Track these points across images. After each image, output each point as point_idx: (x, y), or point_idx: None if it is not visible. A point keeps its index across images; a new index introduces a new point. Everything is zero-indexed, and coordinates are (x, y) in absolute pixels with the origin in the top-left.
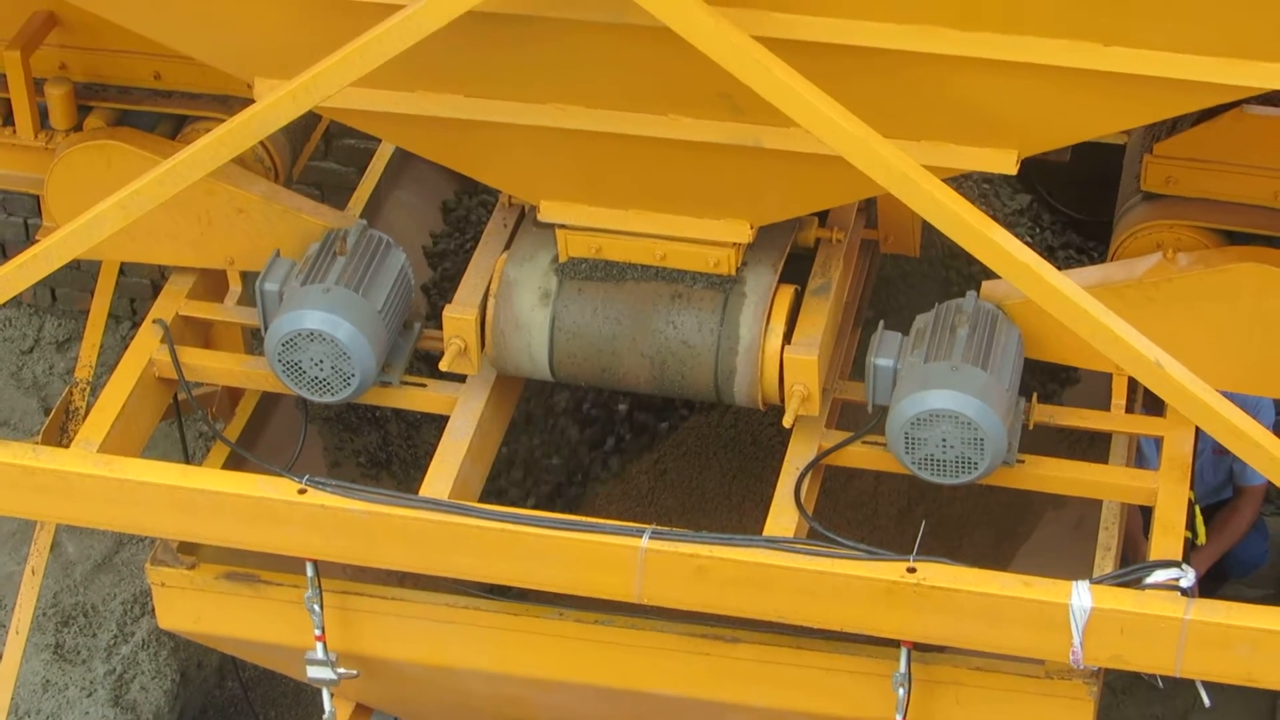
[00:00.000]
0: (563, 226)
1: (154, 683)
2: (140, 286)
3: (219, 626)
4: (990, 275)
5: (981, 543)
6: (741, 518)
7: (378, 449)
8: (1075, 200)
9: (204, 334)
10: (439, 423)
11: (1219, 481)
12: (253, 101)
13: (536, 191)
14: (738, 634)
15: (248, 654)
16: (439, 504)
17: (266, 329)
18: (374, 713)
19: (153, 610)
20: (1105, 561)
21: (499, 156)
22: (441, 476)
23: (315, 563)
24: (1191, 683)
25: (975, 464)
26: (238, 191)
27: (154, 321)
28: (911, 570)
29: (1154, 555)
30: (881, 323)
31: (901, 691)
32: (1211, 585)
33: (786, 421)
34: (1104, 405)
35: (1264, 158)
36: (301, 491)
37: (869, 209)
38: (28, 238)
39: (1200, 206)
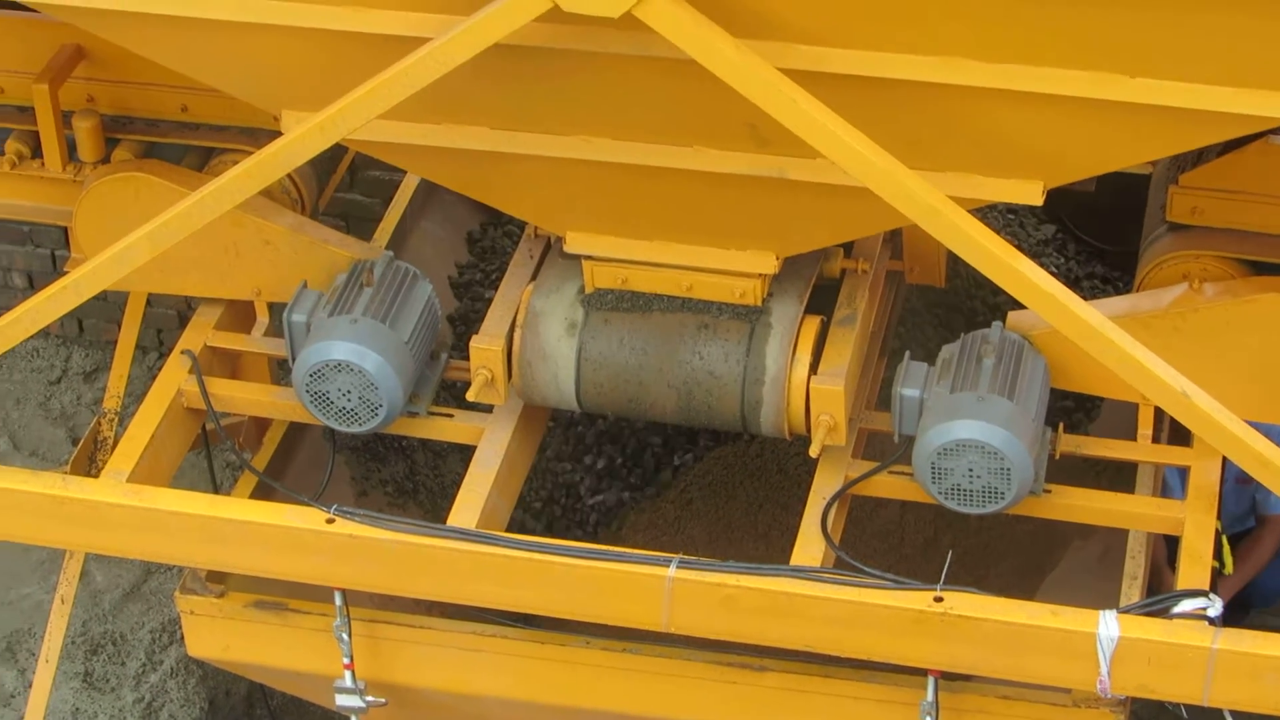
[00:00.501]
0: (589, 258)
1: (183, 710)
2: (167, 317)
3: (248, 654)
4: (1016, 306)
5: (1008, 572)
6: (768, 547)
7: (404, 479)
8: (1101, 230)
9: (231, 365)
10: (465, 453)
11: (1242, 511)
12: (280, 134)
13: (563, 223)
14: (765, 663)
15: (276, 682)
16: (467, 533)
17: (294, 360)
18: None
19: (181, 638)
20: (1132, 591)
21: (525, 188)
22: (469, 506)
23: (343, 591)
24: (1219, 712)
25: (1002, 494)
26: (265, 223)
27: (182, 352)
28: (939, 599)
29: (1181, 585)
30: (907, 353)
31: None
32: (1235, 615)
33: (813, 451)
34: (1126, 435)
35: None
36: (330, 521)
37: (894, 240)
38: (55, 269)
39: (1226, 237)
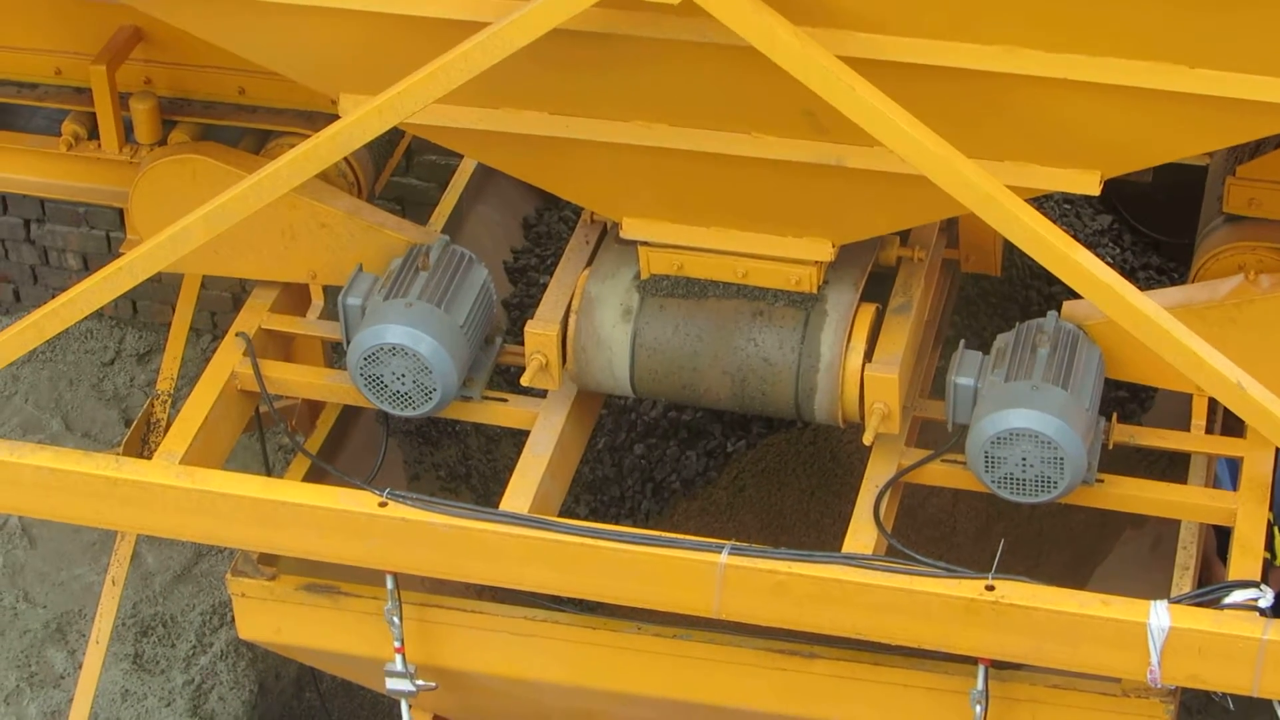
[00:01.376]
0: (645, 243)
1: (232, 693)
2: (221, 300)
3: (299, 637)
4: (1071, 295)
5: (1059, 561)
6: (820, 535)
7: (457, 463)
8: (1157, 221)
9: (286, 347)
10: (518, 437)
11: None
12: (337, 117)
13: (619, 208)
14: (815, 649)
15: (327, 665)
16: (519, 518)
17: (349, 343)
18: None
19: (231, 621)
20: (1183, 581)
21: (582, 173)
22: (522, 491)
23: (395, 575)
24: (1268, 703)
25: (1055, 483)
26: (321, 206)
27: (236, 335)
28: (990, 588)
29: (1233, 575)
30: (962, 341)
31: (979, 709)
32: None
33: (867, 439)
34: (1179, 426)
35: None
36: (382, 504)
37: (950, 228)
38: (110, 251)
39: None
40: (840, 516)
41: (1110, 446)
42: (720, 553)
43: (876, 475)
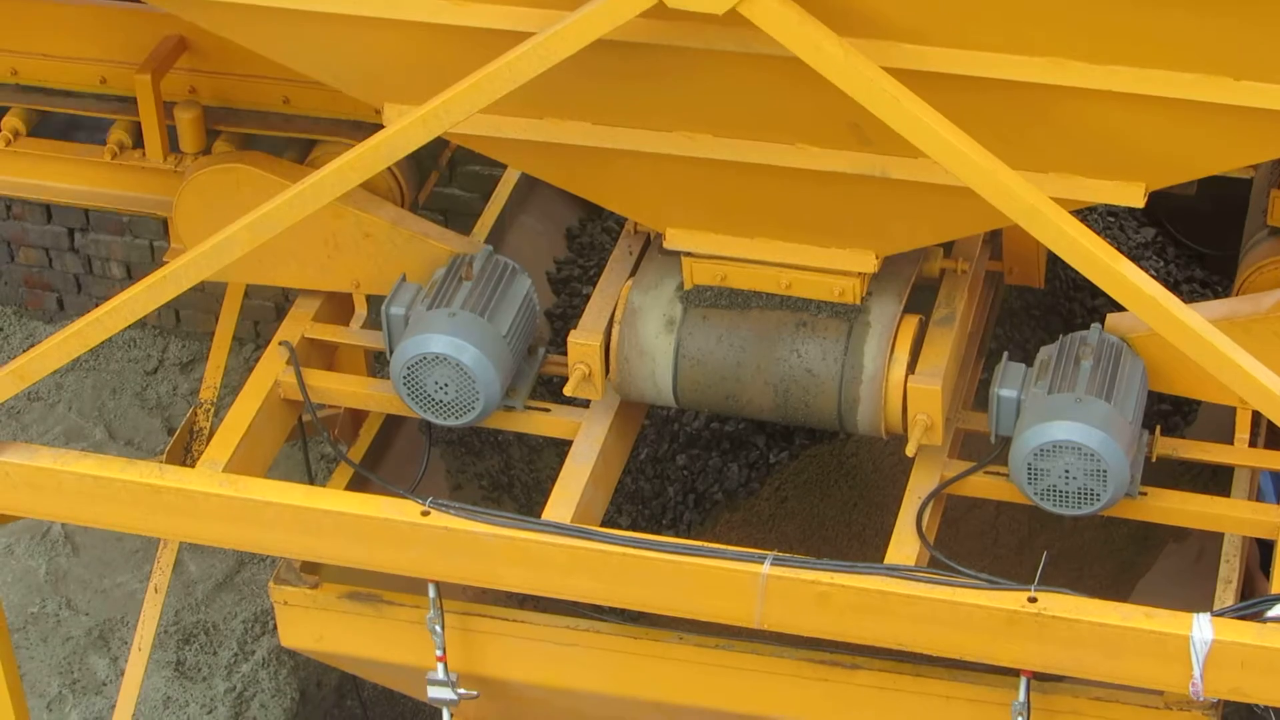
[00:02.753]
0: (688, 254)
1: (274, 701)
2: (264, 309)
3: (341, 646)
4: (1114, 309)
5: (1102, 574)
6: (862, 546)
7: (499, 473)
8: (1201, 234)
9: (328, 357)
10: (560, 447)
11: None
12: (381, 127)
13: (662, 219)
14: (857, 660)
15: (369, 673)
16: (562, 527)
17: (392, 352)
18: None
19: (273, 629)
20: (1226, 594)
21: (626, 184)
22: (564, 501)
23: (437, 584)
24: None
25: (1098, 495)
26: (365, 216)
27: (280, 343)
28: (1032, 600)
29: (1277, 589)
30: (1005, 354)
31: None
32: None
33: (909, 451)
34: (1222, 440)
35: None
36: (425, 513)
37: (994, 240)
38: (153, 260)
39: None
40: (882, 528)
41: (1153, 459)
42: (763, 563)
43: (919, 487)
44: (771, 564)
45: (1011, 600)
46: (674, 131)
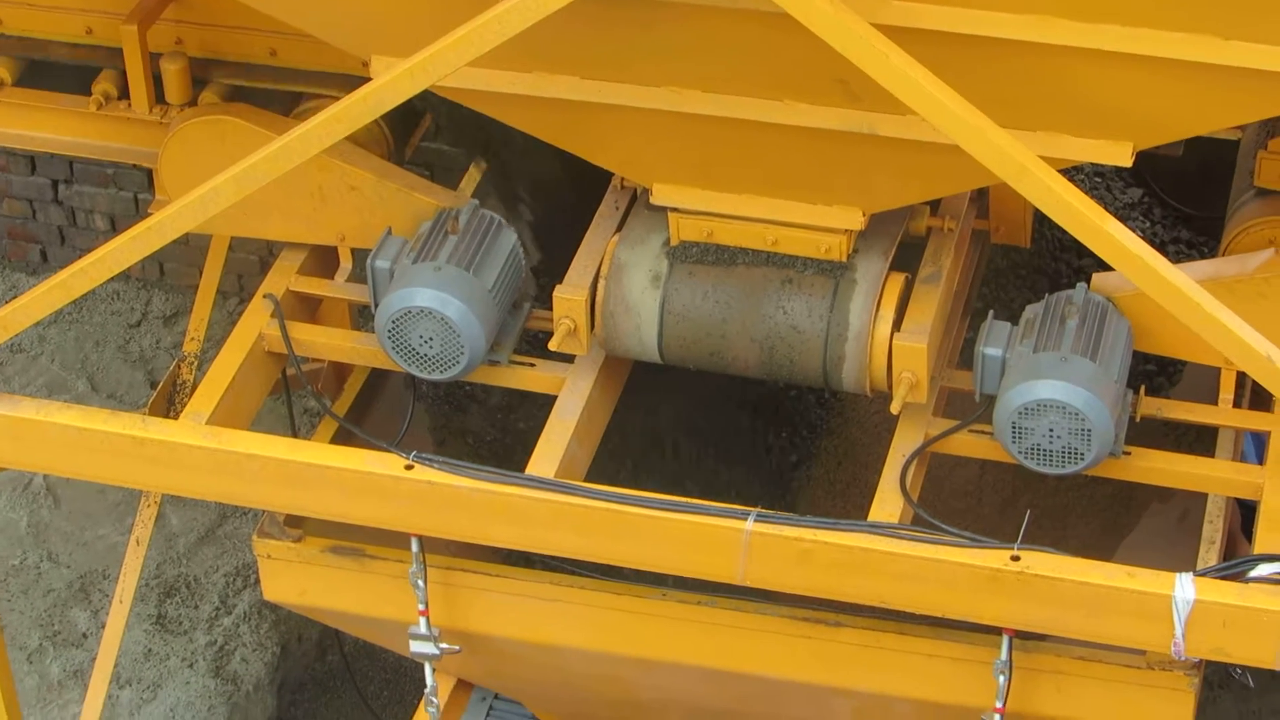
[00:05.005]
0: (675, 210)
1: (255, 655)
2: (248, 263)
3: (324, 599)
4: (1100, 269)
5: (1085, 533)
6: (845, 504)
7: (484, 429)
8: (1187, 195)
9: (313, 310)
10: (538, 402)
11: None
12: (368, 79)
13: (650, 174)
14: (840, 618)
15: (351, 627)
16: (545, 482)
17: (377, 306)
18: (475, 688)
19: (254, 583)
20: (1209, 554)
21: (613, 139)
22: (548, 456)
23: (420, 538)
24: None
25: (1082, 455)
26: (351, 169)
27: (264, 296)
28: (1015, 559)
29: (1259, 549)
30: (991, 312)
31: (1002, 679)
32: None
33: (894, 408)
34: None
35: None
36: (409, 467)
37: (981, 199)
38: (137, 213)
39: None
40: (867, 486)
41: (1138, 419)
42: (746, 520)
43: (903, 444)
44: (755, 520)
45: (994, 558)
46: (662, 86)
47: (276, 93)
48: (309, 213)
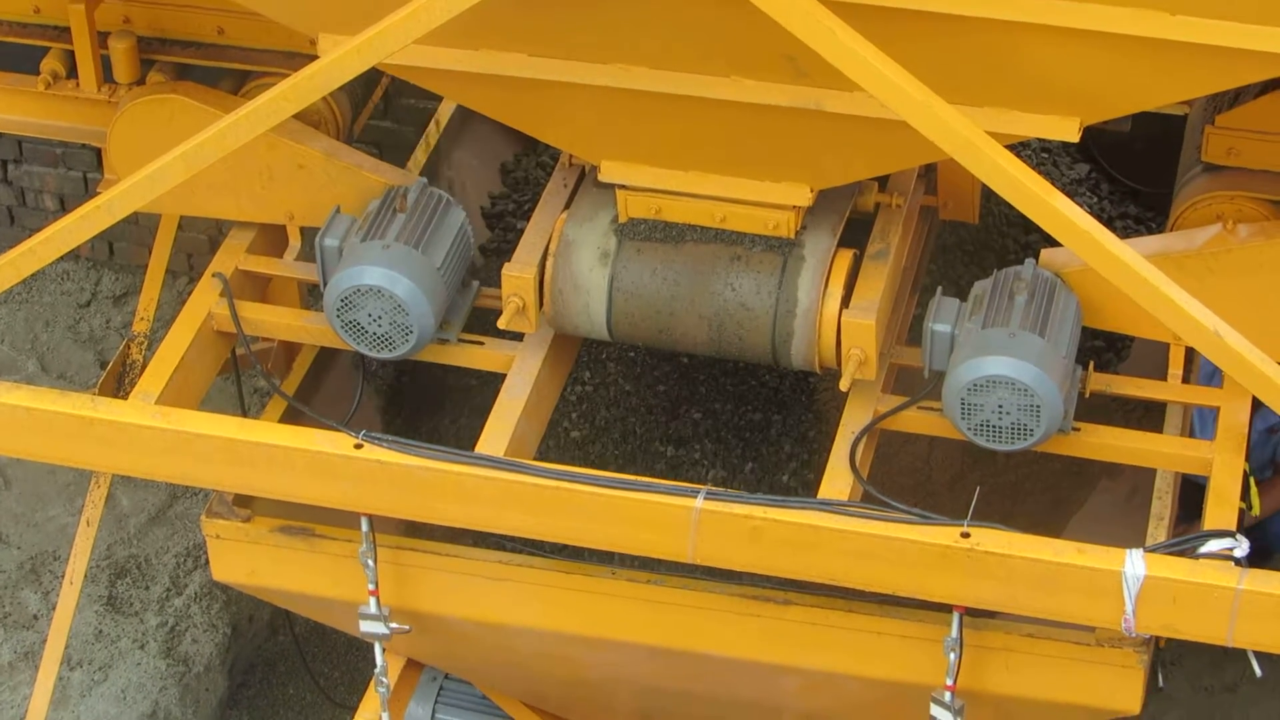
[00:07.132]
0: (623, 187)
1: (206, 635)
2: (197, 242)
3: (273, 580)
4: (1048, 244)
5: (1035, 510)
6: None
7: (432, 408)
8: (1135, 170)
9: (262, 289)
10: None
11: (1263, 461)
12: (316, 58)
13: (597, 151)
14: (789, 596)
15: (301, 608)
16: (494, 461)
17: (326, 284)
18: (425, 668)
19: (205, 563)
20: (1159, 531)
21: (561, 116)
22: (498, 434)
23: (370, 518)
24: (1242, 654)
25: (1031, 431)
26: (299, 147)
27: (213, 275)
28: (965, 535)
29: (1208, 525)
30: (939, 288)
31: (953, 656)
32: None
33: (843, 385)
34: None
35: None
36: (358, 446)
37: (929, 175)
38: (87, 192)
39: (1261, 178)
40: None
41: (1087, 395)
42: (695, 497)
43: (852, 421)
44: (704, 498)
45: (944, 535)
46: (610, 64)
47: (224, 71)
48: (257, 191)
